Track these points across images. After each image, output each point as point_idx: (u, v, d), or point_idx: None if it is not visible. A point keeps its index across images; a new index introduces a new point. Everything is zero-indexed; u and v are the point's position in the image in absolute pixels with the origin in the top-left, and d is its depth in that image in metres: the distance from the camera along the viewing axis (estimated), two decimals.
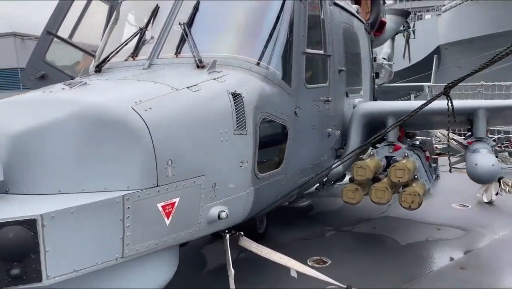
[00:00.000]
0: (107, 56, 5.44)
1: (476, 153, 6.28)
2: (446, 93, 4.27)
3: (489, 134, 11.75)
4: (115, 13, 6.30)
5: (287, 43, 5.49)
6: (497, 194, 8.57)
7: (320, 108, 6.15)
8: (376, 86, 11.73)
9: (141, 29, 5.48)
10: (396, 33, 19.90)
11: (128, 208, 3.48)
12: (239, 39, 5.37)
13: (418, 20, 50.67)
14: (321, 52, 6.20)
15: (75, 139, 3.54)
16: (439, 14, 46.21)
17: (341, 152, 7.25)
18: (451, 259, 6.27)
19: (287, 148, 5.35)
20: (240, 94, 4.58)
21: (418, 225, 7.66)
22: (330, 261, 6.30)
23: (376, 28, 11.03)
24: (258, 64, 5.14)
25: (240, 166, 4.57)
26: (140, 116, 3.65)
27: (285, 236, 7.32)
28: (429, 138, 12.03)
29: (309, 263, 6.26)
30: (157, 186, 3.67)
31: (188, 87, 4.23)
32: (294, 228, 7.67)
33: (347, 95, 7.31)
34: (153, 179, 3.64)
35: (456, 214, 8.19)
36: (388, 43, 19.88)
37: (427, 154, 7.94)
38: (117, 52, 5.47)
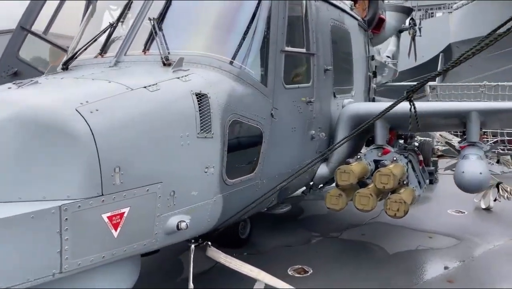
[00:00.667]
0: (75, 53, 5.18)
1: (465, 159, 5.90)
2: (408, 97, 3.93)
3: (490, 137, 11.36)
4: (90, 7, 6.03)
5: (263, 41, 5.16)
6: (495, 200, 8.20)
7: (301, 109, 5.82)
8: (375, 85, 11.39)
9: (111, 25, 5.20)
10: (401, 31, 19.51)
11: (67, 219, 3.19)
12: (210, 37, 5.07)
13: (429, 17, 49.96)
14: (303, 50, 5.87)
15: (13, 143, 3.26)
16: (451, 12, 45.45)
17: (328, 155, 6.93)
18: (441, 270, 5.92)
19: (262, 151, 5.04)
20: (205, 94, 4.27)
21: (410, 232, 7.31)
22: (311, 271, 6.00)
23: (374, 26, 10.67)
24: (230, 63, 4.82)
25: (205, 172, 4.26)
26: (84, 118, 3.36)
27: (268, 242, 7.02)
28: (429, 139, 11.68)
29: (290, 273, 5.98)
30: (102, 195, 3.38)
31: (145, 87, 3.92)
32: (280, 233, 7.37)
33: (334, 96, 6.96)
34: (97, 187, 3.35)
35: (451, 221, 7.83)
36: (393, 41, 19.43)
37: (421, 157, 7.59)
38: (85, 49, 5.20)
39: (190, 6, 5.18)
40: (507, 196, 7.80)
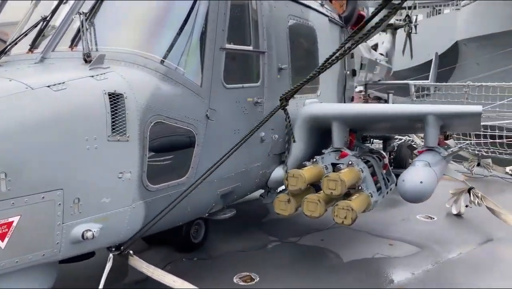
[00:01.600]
0: (4, 49, 4.97)
1: (412, 166, 5.59)
2: (282, 106, 3.67)
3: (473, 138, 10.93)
4: (32, 5, 5.81)
5: (200, 38, 4.92)
6: (466, 206, 7.87)
7: (247, 110, 5.56)
8: (356, 84, 11.07)
9: (43, 19, 4.98)
10: (397, 28, 19.08)
11: None
12: (139, 33, 4.84)
13: (436, 14, 49.24)
14: (250, 48, 5.59)
15: None
16: (459, 9, 44.70)
17: (285, 157, 6.66)
18: (391, 282, 5.64)
19: (195, 155, 4.79)
20: (121, 94, 4.03)
21: (371, 239, 7.02)
22: (258, 278, 5.74)
23: (354, 22, 10.35)
24: (159, 61, 4.59)
25: (119, 177, 4.03)
26: None
27: (223, 247, 6.77)
28: (409, 140, 11.33)
29: (235, 280, 5.73)
30: None
31: (48, 86, 3.70)
32: (237, 237, 7.11)
33: (292, 96, 6.67)
34: None
35: (418, 227, 7.51)
36: (387, 39, 19.03)
37: (386, 160, 7.29)
38: (15, 44, 5.01)
39: (124, 2, 4.94)
40: (477, 202, 7.46)
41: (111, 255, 4.28)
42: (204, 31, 4.90)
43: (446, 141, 6.94)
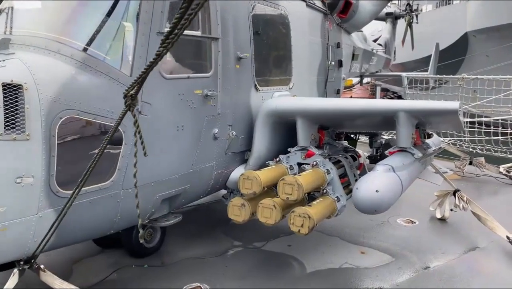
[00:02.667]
0: None
1: (373, 171, 4.94)
2: (127, 107, 3.03)
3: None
4: None
5: (133, 20, 4.30)
6: (451, 209, 7.23)
7: (194, 104, 4.95)
8: (344, 76, 10.38)
9: None
10: (397, 18, 18.28)
11: None
12: (54, 13, 4.21)
13: (446, 5, 48.08)
14: (198, 33, 4.98)
15: None
16: (468, 0, 43.50)
17: (248, 155, 6.07)
18: None
19: (122, 155, 4.20)
20: (19, 85, 3.45)
21: (342, 245, 6.42)
22: None
23: (341, 10, 9.68)
24: (79, 47, 3.99)
25: (18, 182, 3.46)
26: None
27: (180, 253, 6.22)
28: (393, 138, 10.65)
29: None
30: None
31: None
32: (198, 242, 6.53)
33: (256, 88, 6.07)
34: None
35: (396, 233, 6.88)
36: (387, 29, 18.24)
37: (362, 160, 6.66)
38: None
39: None
40: (463, 205, 6.81)
41: (15, 270, 3.74)
42: (137, 13, 4.29)
43: (427, 140, 6.29)
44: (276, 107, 5.78)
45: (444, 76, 11.11)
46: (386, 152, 5.55)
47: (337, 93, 9.73)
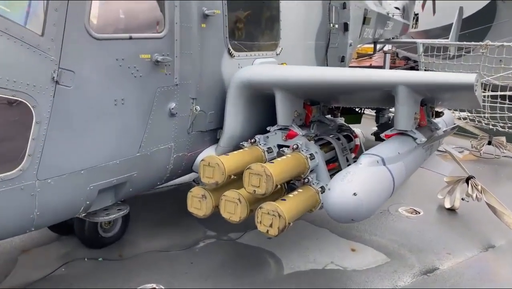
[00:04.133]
0: None
1: (355, 164, 3.93)
2: None
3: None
4: None
5: None
6: (463, 199, 6.24)
7: (139, 72, 4.00)
8: (351, 41, 9.22)
9: None
10: None
11: None
12: None
13: None
14: None
15: None
16: None
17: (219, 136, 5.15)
18: None
19: (34, 137, 3.32)
20: None
21: (331, 240, 5.54)
22: None
23: None
24: None
25: None
26: None
27: (144, 245, 5.44)
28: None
29: None
30: None
31: None
32: (166, 232, 5.72)
33: (230, 54, 5.07)
34: None
35: (396, 225, 5.95)
36: None
37: (358, 141, 5.67)
38: None
39: None
40: (476, 195, 5.82)
41: None
42: None
43: (436, 119, 5.26)
44: (249, 77, 4.79)
45: (465, 43, 9.84)
46: (382, 135, 4.55)
47: (342, 61, 8.61)
